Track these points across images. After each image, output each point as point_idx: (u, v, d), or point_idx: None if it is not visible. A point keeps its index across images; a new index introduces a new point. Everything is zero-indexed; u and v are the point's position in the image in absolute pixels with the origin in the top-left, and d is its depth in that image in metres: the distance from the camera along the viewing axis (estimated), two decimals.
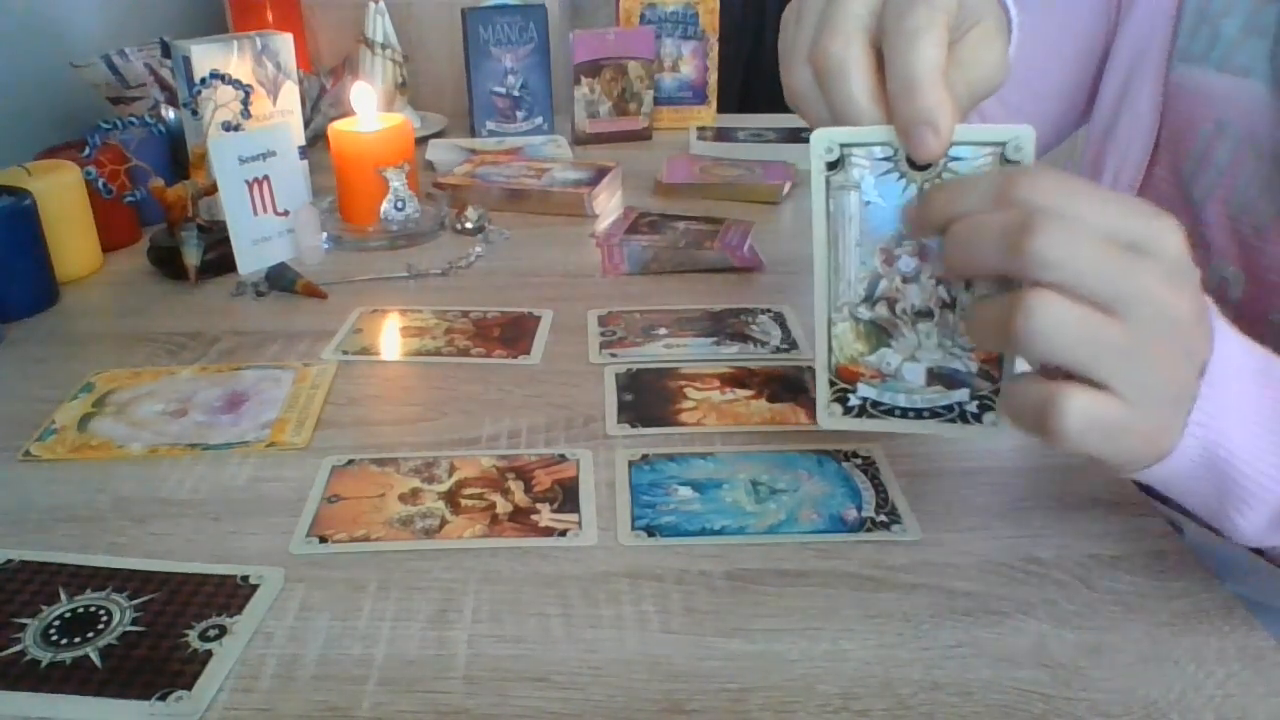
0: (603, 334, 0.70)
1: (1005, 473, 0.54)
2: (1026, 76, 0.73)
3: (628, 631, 0.43)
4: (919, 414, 0.48)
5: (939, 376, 0.47)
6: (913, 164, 0.43)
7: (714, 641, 0.42)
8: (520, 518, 0.50)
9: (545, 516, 0.50)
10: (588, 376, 0.64)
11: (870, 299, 0.46)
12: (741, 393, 0.61)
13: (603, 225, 0.92)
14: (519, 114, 1.23)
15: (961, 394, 0.47)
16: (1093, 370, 0.37)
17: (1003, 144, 0.42)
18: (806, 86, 0.44)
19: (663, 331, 0.70)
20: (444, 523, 0.50)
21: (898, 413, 0.48)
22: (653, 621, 0.43)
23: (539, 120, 1.24)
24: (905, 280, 0.45)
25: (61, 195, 0.78)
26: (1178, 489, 0.42)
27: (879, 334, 0.47)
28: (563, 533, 0.49)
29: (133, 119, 0.81)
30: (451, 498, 0.52)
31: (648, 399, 0.61)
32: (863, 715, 0.39)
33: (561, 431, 0.58)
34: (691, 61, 1.29)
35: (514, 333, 0.71)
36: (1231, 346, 0.40)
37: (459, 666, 0.41)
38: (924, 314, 0.46)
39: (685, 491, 0.52)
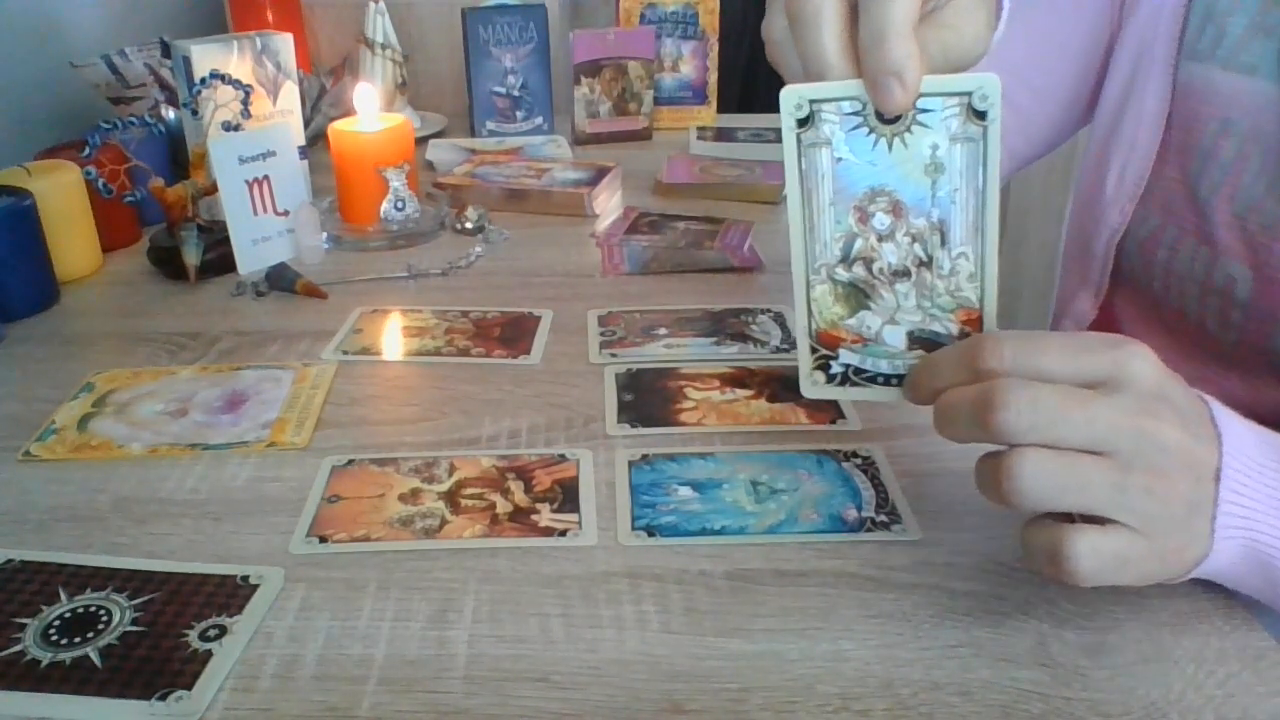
0: (603, 334, 0.70)
1: None
2: (1030, 73, 0.73)
3: (628, 631, 0.43)
4: (901, 380, 0.47)
5: (919, 340, 0.46)
6: (882, 118, 0.43)
7: (714, 641, 0.42)
8: (520, 518, 0.50)
9: (545, 516, 0.50)
10: (588, 376, 0.64)
11: (847, 259, 0.46)
12: (741, 393, 0.61)
13: (603, 225, 0.92)
14: (519, 114, 1.23)
15: None
16: (1092, 510, 0.39)
17: (969, 93, 0.42)
18: (781, 34, 0.44)
19: (663, 331, 0.70)
20: (444, 523, 0.50)
21: (880, 380, 0.48)
22: (653, 621, 0.43)
23: (539, 120, 1.24)
24: (880, 239, 0.45)
25: (61, 195, 0.78)
26: (1228, 582, 0.43)
27: (858, 296, 0.47)
28: (563, 533, 0.49)
29: (133, 119, 0.81)
30: (451, 498, 0.52)
31: (648, 399, 0.61)
32: (863, 715, 0.39)
33: (561, 431, 0.58)
34: (691, 61, 1.29)
35: (514, 333, 0.71)
36: (1244, 440, 0.40)
37: (459, 666, 0.41)
38: (901, 273, 0.46)
39: (685, 491, 0.52)
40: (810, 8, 0.41)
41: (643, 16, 1.27)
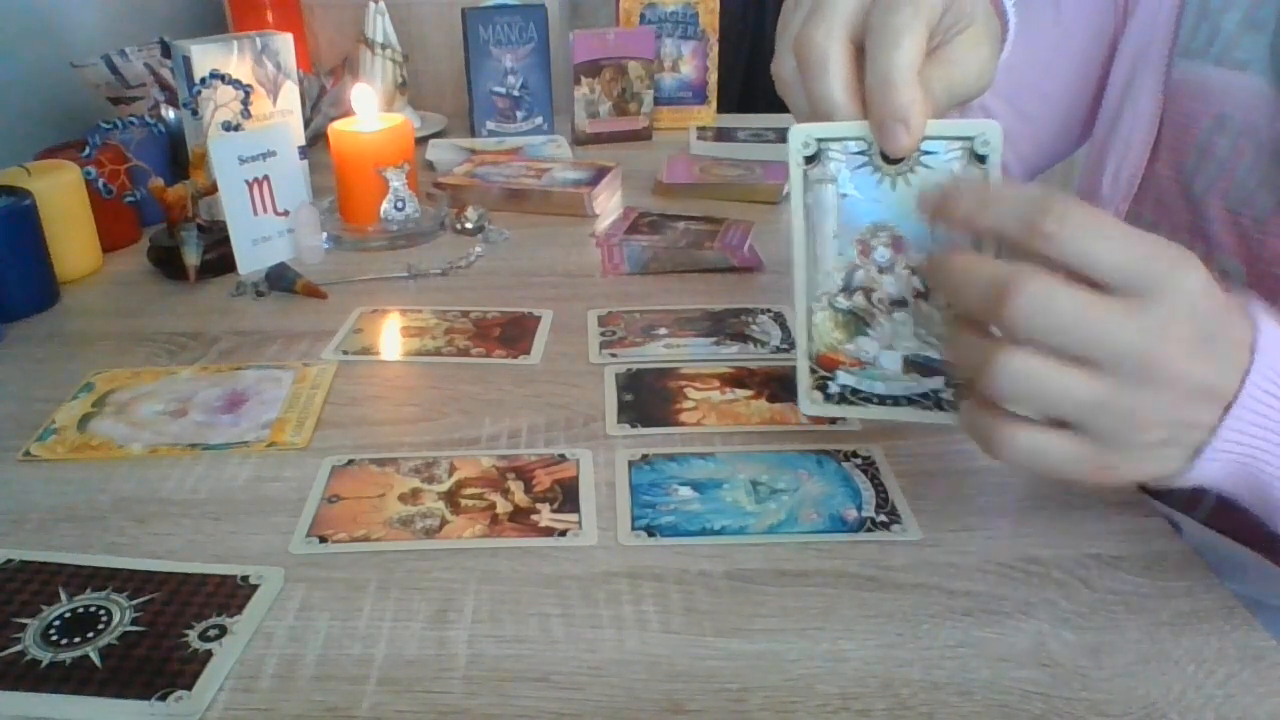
0: (603, 334, 0.70)
1: (1005, 473, 0.54)
2: (1036, 80, 0.73)
3: (628, 631, 0.43)
4: (896, 401, 0.50)
5: (914, 364, 0.49)
6: (886, 158, 0.44)
7: (714, 641, 0.42)
8: (520, 518, 0.50)
9: (545, 516, 0.50)
10: (588, 376, 0.64)
11: (848, 289, 0.48)
12: (741, 393, 0.61)
13: (603, 225, 0.92)
14: (519, 114, 1.23)
15: (936, 382, 0.49)
16: (1063, 418, 0.39)
17: (971, 139, 0.43)
18: (790, 74, 0.45)
19: (663, 331, 0.70)
20: (444, 523, 0.50)
21: (876, 400, 0.50)
22: (653, 621, 0.43)
23: (539, 120, 1.24)
24: (881, 270, 0.47)
25: (61, 195, 0.78)
26: (1212, 488, 0.43)
27: (857, 323, 0.49)
28: (563, 533, 0.49)
29: (133, 119, 0.81)
30: (451, 498, 0.52)
31: (648, 399, 0.61)
32: (863, 715, 0.39)
33: (561, 431, 0.58)
34: (691, 61, 1.29)
35: (514, 333, 0.71)
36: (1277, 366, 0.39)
37: (459, 666, 0.41)
38: (899, 303, 0.48)
39: (685, 491, 0.52)
40: (818, 52, 0.42)
41: (643, 16, 1.27)
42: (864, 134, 0.44)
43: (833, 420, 0.58)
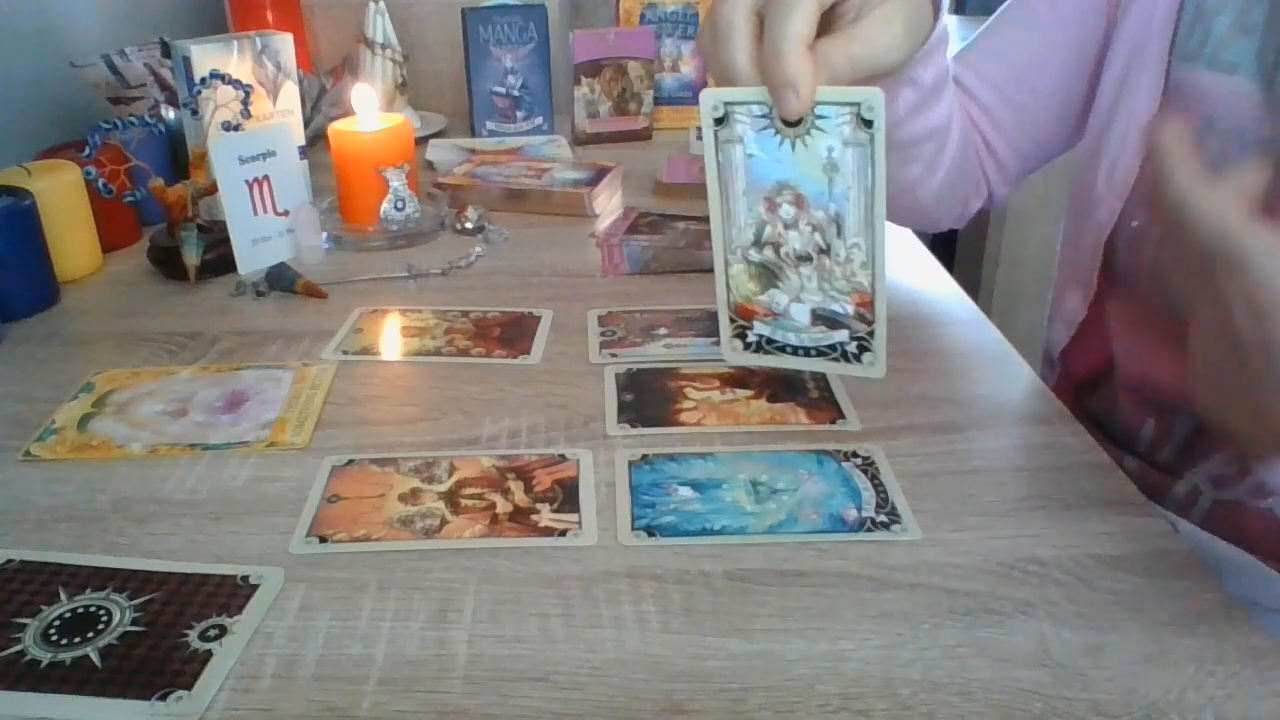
0: (603, 334, 0.70)
1: (1005, 473, 0.54)
2: (1033, 76, 0.73)
3: (628, 631, 0.43)
4: (808, 352, 0.55)
5: (821, 318, 0.54)
6: (784, 121, 0.48)
7: (714, 641, 0.42)
8: (520, 518, 0.50)
9: (545, 516, 0.50)
10: (588, 376, 0.64)
11: (758, 243, 0.53)
12: (741, 393, 0.61)
13: (603, 225, 0.92)
14: (519, 114, 1.23)
15: (842, 334, 0.54)
16: None
17: (858, 104, 0.47)
18: (706, 44, 0.49)
19: (663, 331, 0.70)
20: (444, 523, 0.50)
21: (789, 350, 0.55)
22: (653, 621, 0.43)
23: (539, 120, 1.24)
24: (787, 226, 0.52)
25: (61, 195, 0.78)
26: None
27: (768, 275, 0.53)
28: (563, 533, 0.49)
29: (133, 119, 0.81)
30: (451, 498, 0.52)
31: (648, 399, 0.61)
32: (863, 715, 0.39)
33: (561, 431, 0.58)
34: (691, 61, 1.29)
35: (514, 333, 0.71)
36: None
37: (459, 666, 0.41)
38: (804, 258, 0.52)
39: (685, 491, 0.52)
40: (725, 23, 0.47)
41: (643, 16, 1.27)
42: (764, 98, 0.48)
43: (833, 420, 0.58)
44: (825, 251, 0.51)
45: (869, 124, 0.47)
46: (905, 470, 0.54)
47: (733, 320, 0.56)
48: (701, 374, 0.64)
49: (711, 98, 0.49)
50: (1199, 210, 0.38)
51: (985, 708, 0.39)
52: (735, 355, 0.57)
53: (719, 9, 0.47)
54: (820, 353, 0.55)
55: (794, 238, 0.51)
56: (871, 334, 0.53)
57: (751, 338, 0.56)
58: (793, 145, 0.49)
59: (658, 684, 0.40)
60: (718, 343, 0.68)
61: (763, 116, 0.49)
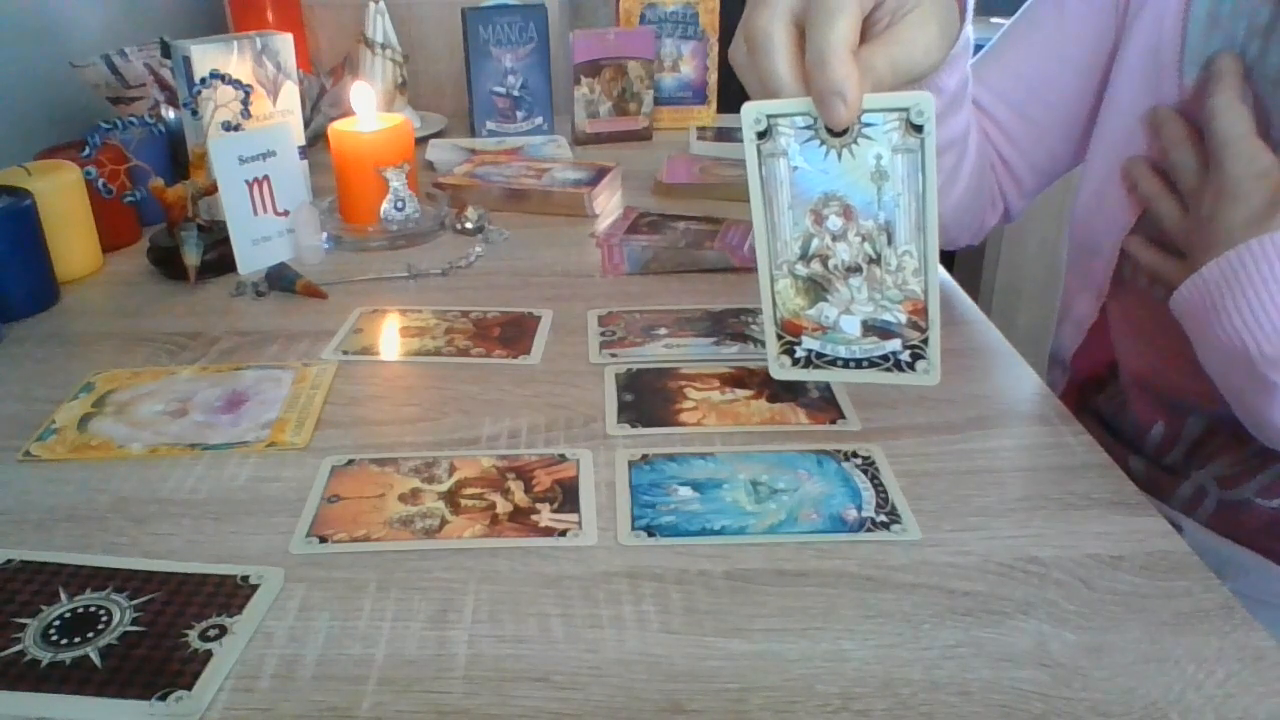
0: (603, 334, 0.70)
1: (1005, 473, 0.54)
2: (1041, 89, 0.73)
3: (628, 631, 0.43)
4: (859, 364, 0.54)
5: (873, 328, 0.53)
6: (831, 131, 0.48)
7: (714, 641, 0.42)
8: (520, 518, 0.50)
9: (545, 516, 0.50)
10: (588, 376, 0.64)
11: (805, 256, 0.52)
12: (741, 393, 0.61)
13: (603, 225, 0.92)
14: (519, 114, 1.23)
15: (894, 344, 0.53)
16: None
17: (907, 109, 0.46)
18: (743, 58, 0.48)
19: (663, 331, 0.70)
20: (444, 523, 0.50)
21: (840, 363, 0.54)
22: (653, 621, 0.43)
23: (539, 120, 1.24)
24: (834, 238, 0.51)
25: (61, 195, 0.78)
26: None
27: (816, 289, 0.53)
28: (563, 533, 0.49)
29: (133, 119, 0.81)
30: (451, 498, 0.52)
31: (648, 399, 0.61)
32: (863, 715, 0.39)
33: (561, 431, 0.58)
34: (691, 61, 1.29)
35: (514, 333, 0.71)
36: None
37: (459, 666, 0.41)
38: (853, 269, 0.51)
39: (685, 491, 0.52)
40: (761, 34, 0.46)
41: (643, 16, 1.27)
42: (809, 109, 0.47)
43: (833, 420, 0.58)
44: (875, 261, 0.50)
45: (918, 129, 0.46)
46: (905, 470, 0.54)
47: (780, 336, 0.55)
48: (701, 374, 0.64)
49: (753, 110, 0.48)
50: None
51: (985, 708, 0.39)
52: (783, 371, 0.56)
53: (754, 20, 0.46)
54: (872, 364, 0.53)
55: (842, 249, 0.51)
56: (925, 341, 0.52)
57: (800, 353, 0.55)
58: (839, 155, 0.48)
59: (658, 684, 0.40)
60: (718, 342, 0.68)
61: (807, 128, 0.48)
